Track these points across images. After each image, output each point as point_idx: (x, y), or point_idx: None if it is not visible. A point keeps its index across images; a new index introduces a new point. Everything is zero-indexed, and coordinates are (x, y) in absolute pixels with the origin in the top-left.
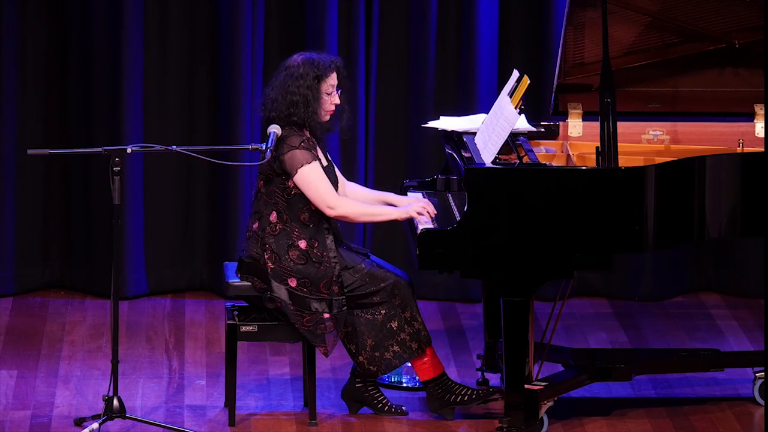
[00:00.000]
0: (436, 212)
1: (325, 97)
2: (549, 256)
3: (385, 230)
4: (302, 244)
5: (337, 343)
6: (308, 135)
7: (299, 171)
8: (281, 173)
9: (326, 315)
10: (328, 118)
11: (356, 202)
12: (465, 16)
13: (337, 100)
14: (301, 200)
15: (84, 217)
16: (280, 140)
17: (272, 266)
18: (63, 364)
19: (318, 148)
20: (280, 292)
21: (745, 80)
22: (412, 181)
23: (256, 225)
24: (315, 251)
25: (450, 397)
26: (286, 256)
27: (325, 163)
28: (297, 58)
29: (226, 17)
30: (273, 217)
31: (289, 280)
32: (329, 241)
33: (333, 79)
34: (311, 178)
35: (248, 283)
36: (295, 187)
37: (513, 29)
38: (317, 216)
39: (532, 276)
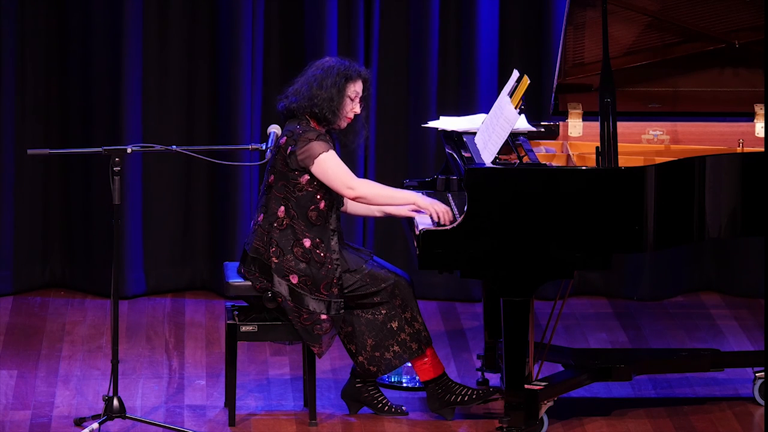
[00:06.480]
0: (452, 219)
1: (348, 101)
2: (549, 256)
3: (385, 230)
4: (307, 242)
5: (332, 345)
6: (324, 132)
7: (316, 161)
8: (296, 168)
9: (323, 316)
10: (344, 124)
11: (376, 183)
12: (465, 16)
13: (358, 110)
14: (310, 198)
15: (84, 216)
16: (296, 136)
17: (276, 261)
18: (63, 364)
19: None
20: (281, 287)
21: (745, 80)
22: (412, 181)
23: (261, 217)
24: (318, 251)
25: (450, 397)
26: (290, 254)
27: None
28: (328, 58)
29: (226, 17)
30: (281, 211)
31: (290, 277)
32: (333, 242)
33: (359, 86)
34: (329, 164)
35: (248, 283)
36: (307, 183)
37: (513, 29)
38: (324, 216)
39: (532, 276)
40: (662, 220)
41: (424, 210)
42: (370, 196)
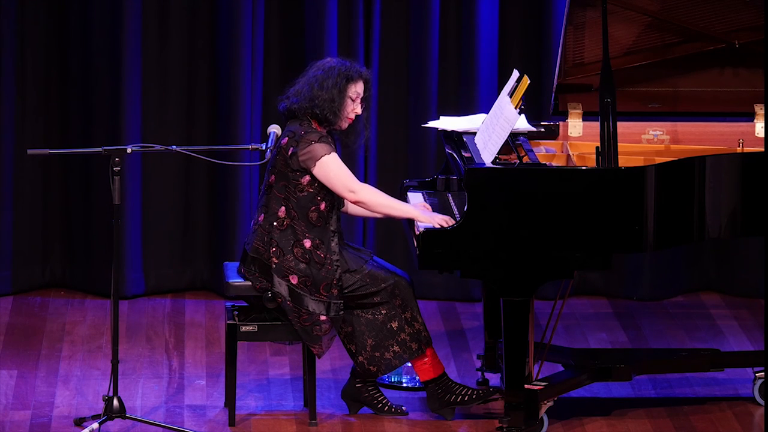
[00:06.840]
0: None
1: (349, 102)
2: (549, 256)
3: (385, 230)
4: (307, 243)
5: (331, 346)
6: (325, 133)
7: (318, 163)
8: (297, 169)
9: (323, 317)
10: (345, 125)
11: (378, 191)
12: (465, 16)
13: (359, 110)
14: (311, 199)
15: (84, 217)
16: (298, 137)
17: (276, 261)
18: (63, 364)
19: None
20: (281, 287)
21: (745, 80)
22: (412, 181)
23: (261, 217)
24: (318, 252)
25: (450, 397)
26: (290, 254)
27: None
28: (330, 59)
29: (226, 17)
30: (282, 212)
31: (290, 277)
32: (333, 243)
33: (360, 87)
34: (331, 166)
35: (248, 283)
36: (308, 184)
37: (513, 29)
38: (324, 217)
39: (532, 276)
40: (662, 220)
41: (424, 222)
42: (371, 204)
